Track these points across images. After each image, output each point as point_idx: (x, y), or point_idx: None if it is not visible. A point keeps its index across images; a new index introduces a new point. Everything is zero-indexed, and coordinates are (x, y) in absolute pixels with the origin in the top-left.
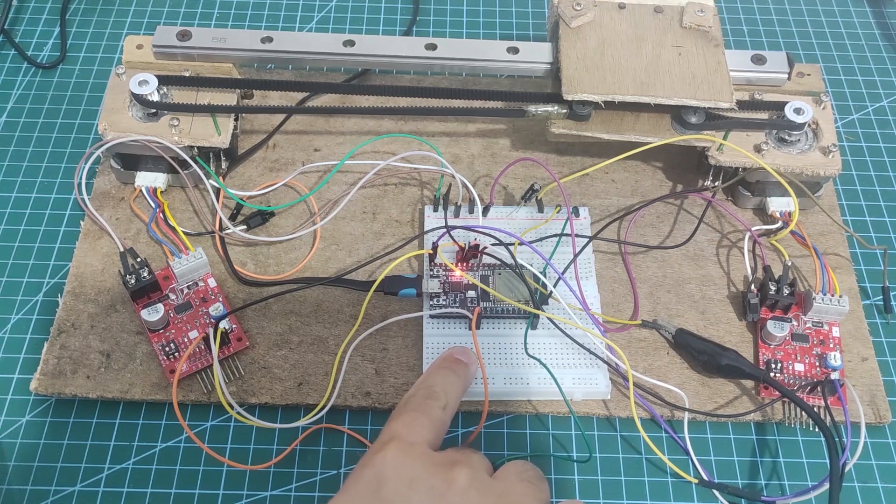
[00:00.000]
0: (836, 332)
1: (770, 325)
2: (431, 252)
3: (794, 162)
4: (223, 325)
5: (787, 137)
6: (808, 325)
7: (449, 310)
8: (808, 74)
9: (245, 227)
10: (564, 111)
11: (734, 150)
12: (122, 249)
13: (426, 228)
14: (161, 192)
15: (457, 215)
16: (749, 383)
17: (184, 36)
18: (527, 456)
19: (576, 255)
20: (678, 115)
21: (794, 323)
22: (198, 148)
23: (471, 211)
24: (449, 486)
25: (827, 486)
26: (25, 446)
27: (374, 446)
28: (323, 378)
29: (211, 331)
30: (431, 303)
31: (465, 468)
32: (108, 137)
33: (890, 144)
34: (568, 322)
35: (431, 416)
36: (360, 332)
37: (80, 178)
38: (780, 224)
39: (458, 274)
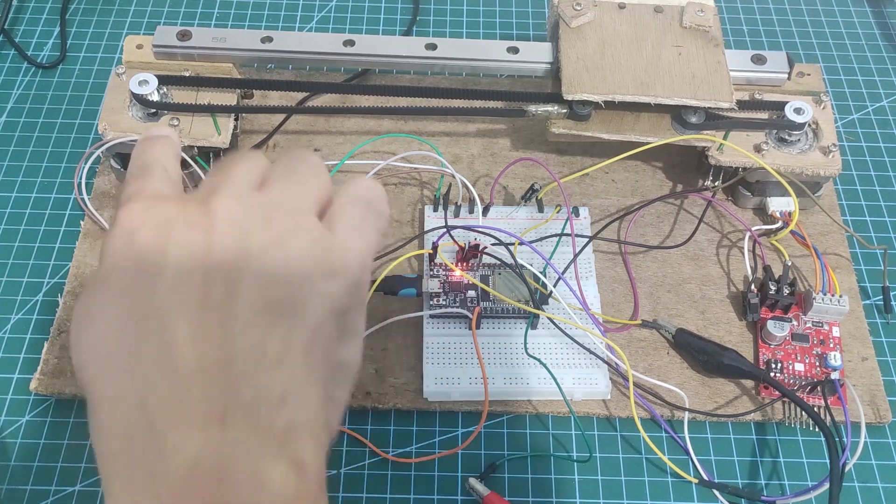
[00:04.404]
0: (836, 331)
1: (770, 324)
2: (431, 252)
3: (794, 162)
4: None
5: (787, 137)
6: (808, 324)
7: (449, 310)
8: (808, 74)
9: None
10: (564, 111)
11: (734, 150)
12: None
13: (426, 228)
14: None
15: (457, 215)
16: (749, 383)
17: (184, 36)
18: (526, 456)
19: (576, 255)
20: (678, 115)
21: (794, 323)
22: (198, 148)
23: (471, 211)
24: (210, 216)
25: (827, 486)
26: (25, 446)
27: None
28: None
29: None
30: (431, 303)
31: (223, 195)
32: (108, 137)
33: (890, 144)
34: (568, 322)
35: (157, 177)
36: None
37: (80, 178)
38: (780, 224)
39: (458, 274)
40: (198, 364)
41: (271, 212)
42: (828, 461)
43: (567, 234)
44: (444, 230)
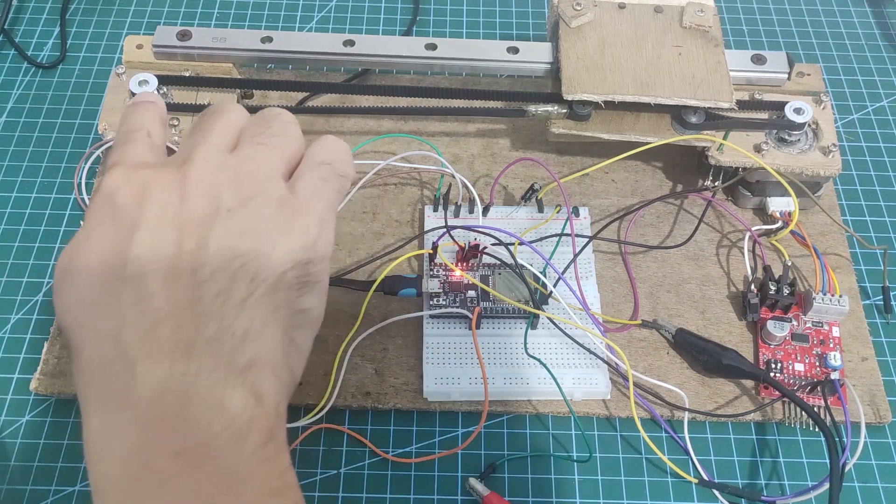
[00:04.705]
0: (836, 331)
1: (770, 324)
2: (431, 252)
3: (794, 162)
4: None
5: (787, 137)
6: (808, 324)
7: (449, 310)
8: (808, 74)
9: None
10: (564, 111)
11: (734, 150)
12: None
13: (426, 228)
14: None
15: (457, 215)
16: (749, 383)
17: (184, 36)
18: (527, 456)
19: (576, 255)
20: (678, 115)
21: (794, 323)
22: None
23: (471, 211)
24: (185, 179)
25: (827, 486)
26: (25, 446)
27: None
28: (323, 378)
29: None
30: (431, 303)
31: (197, 160)
32: (108, 137)
33: (890, 144)
34: (568, 322)
35: (141, 143)
36: (360, 332)
37: (80, 178)
38: (780, 224)
39: (458, 274)
40: (169, 305)
41: (240, 175)
42: (828, 461)
43: (567, 234)
44: (444, 230)
